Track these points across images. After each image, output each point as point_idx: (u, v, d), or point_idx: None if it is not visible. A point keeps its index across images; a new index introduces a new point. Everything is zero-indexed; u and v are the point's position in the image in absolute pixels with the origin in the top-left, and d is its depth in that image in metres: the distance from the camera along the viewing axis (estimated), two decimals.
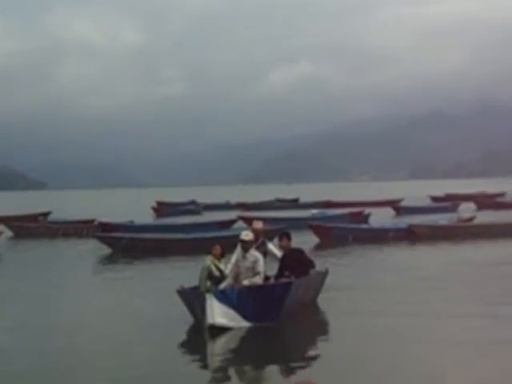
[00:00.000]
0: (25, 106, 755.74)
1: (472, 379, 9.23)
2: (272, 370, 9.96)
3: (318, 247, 28.20)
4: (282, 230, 28.60)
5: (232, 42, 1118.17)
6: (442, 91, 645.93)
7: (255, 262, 12.73)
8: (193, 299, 12.56)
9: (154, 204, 63.30)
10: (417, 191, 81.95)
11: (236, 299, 12.18)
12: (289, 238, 13.83)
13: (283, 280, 12.93)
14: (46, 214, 47.90)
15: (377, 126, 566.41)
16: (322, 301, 14.38)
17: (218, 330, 11.85)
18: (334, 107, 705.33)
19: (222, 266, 12.91)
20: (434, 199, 63.56)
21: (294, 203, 63.87)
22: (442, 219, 32.98)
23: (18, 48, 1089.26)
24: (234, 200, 67.12)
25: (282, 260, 13.51)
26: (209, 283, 12.56)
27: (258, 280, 12.68)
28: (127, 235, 28.11)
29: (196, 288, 12.74)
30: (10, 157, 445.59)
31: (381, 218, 39.39)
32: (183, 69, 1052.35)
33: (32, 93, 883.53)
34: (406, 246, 27.57)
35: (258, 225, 13.77)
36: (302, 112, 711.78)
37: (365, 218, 39.00)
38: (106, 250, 27.22)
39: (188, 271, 17.89)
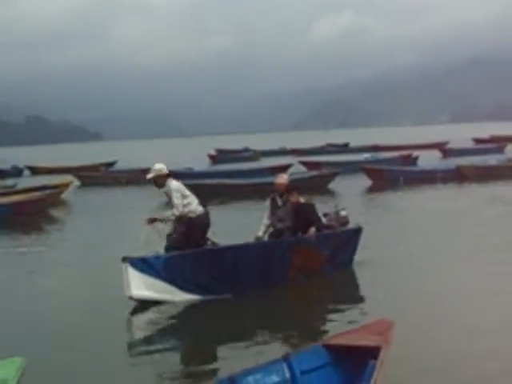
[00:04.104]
0: (80, 60, 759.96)
1: None
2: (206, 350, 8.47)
3: (371, 189, 28.07)
4: (327, 174, 29.01)
5: None
6: (480, 38, 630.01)
7: (168, 192, 10.72)
8: None
9: (212, 151, 63.02)
10: (459, 134, 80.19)
11: (163, 268, 10.24)
12: (298, 192, 11.92)
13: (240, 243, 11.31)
14: (110, 164, 48.46)
15: (417, 73, 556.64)
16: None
17: (147, 304, 10.08)
18: (376, 56, 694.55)
19: None
20: (478, 141, 62.13)
21: (345, 148, 63.34)
22: (491, 160, 32.31)
23: (72, 3, 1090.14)
24: (284, 146, 66.55)
25: (293, 217, 11.80)
26: None
27: (169, 212, 10.69)
28: (189, 182, 28.05)
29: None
30: (69, 111, 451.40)
31: (428, 160, 38.74)
32: (233, 21, 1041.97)
33: (86, 48, 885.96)
34: (454, 186, 27.19)
35: (281, 179, 12.16)
36: (345, 61, 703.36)
37: (414, 161, 38.51)
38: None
39: (249, 214, 18.17)
